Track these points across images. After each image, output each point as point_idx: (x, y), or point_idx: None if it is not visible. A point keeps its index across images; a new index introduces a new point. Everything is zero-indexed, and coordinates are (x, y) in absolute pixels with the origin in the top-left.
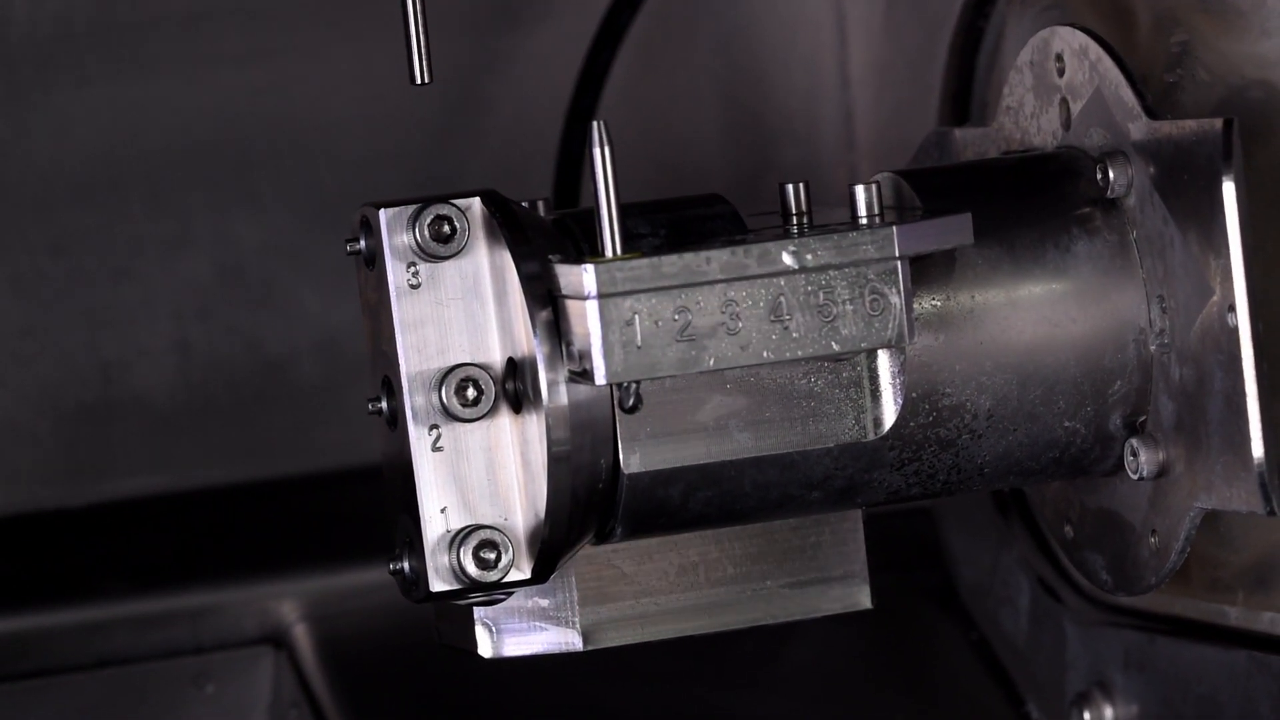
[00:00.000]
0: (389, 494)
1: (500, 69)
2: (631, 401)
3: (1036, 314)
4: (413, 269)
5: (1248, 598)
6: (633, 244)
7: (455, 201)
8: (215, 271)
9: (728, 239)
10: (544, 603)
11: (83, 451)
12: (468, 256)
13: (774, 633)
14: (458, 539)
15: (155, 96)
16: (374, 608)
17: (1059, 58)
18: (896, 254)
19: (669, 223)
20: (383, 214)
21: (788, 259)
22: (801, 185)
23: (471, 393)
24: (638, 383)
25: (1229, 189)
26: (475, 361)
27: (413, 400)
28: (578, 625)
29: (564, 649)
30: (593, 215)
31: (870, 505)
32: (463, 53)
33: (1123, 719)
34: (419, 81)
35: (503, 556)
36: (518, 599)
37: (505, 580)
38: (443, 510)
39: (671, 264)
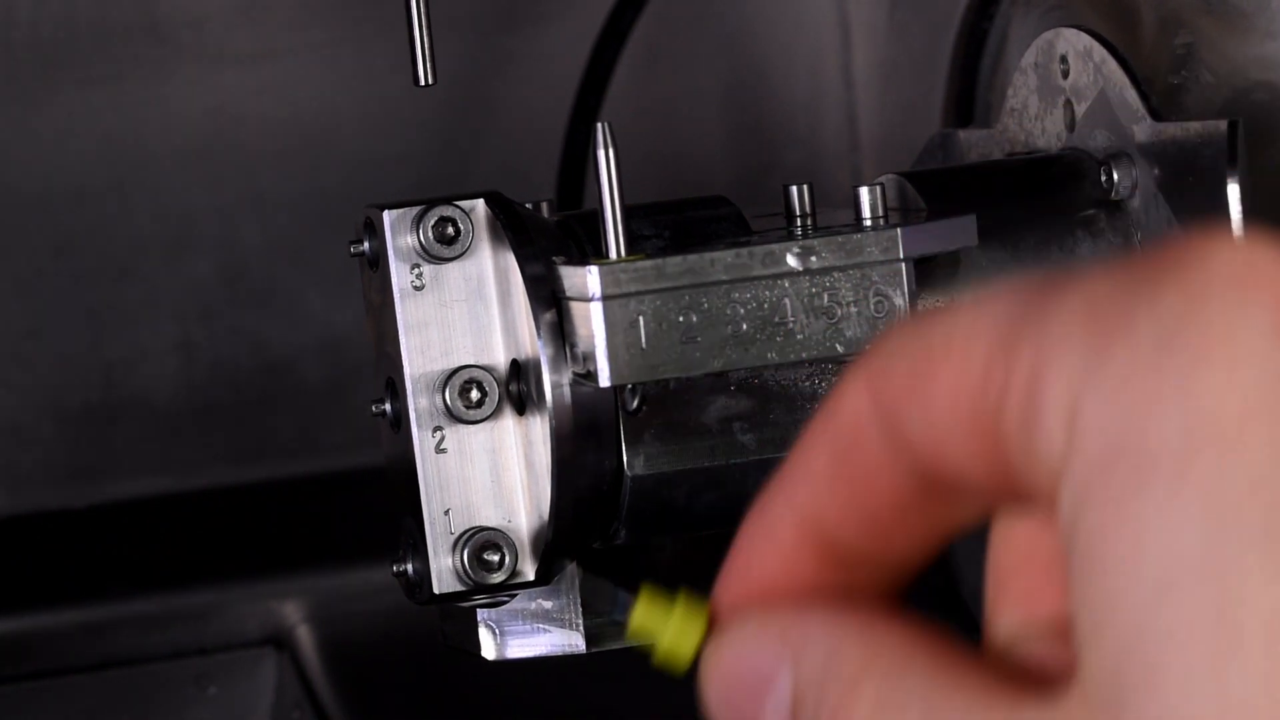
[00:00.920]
0: (392, 496)
1: (504, 70)
2: (635, 403)
3: None
4: (416, 270)
5: None
6: (637, 246)
7: (459, 203)
8: (218, 272)
9: (732, 241)
10: (548, 605)
11: (85, 452)
12: (472, 258)
13: None
14: (461, 541)
15: (158, 97)
16: (377, 609)
17: (1063, 59)
18: (901, 256)
19: (673, 224)
20: (386, 215)
21: (792, 261)
22: (805, 187)
23: (475, 395)
24: (642, 385)
25: (1234, 191)
26: (479, 363)
27: (416, 402)
28: (581, 627)
29: (567, 651)
30: (597, 217)
31: None
32: (466, 54)
33: None
34: (422, 83)
35: (506, 559)
36: (521, 601)
37: (509, 582)
38: (446, 512)
39: (676, 266)
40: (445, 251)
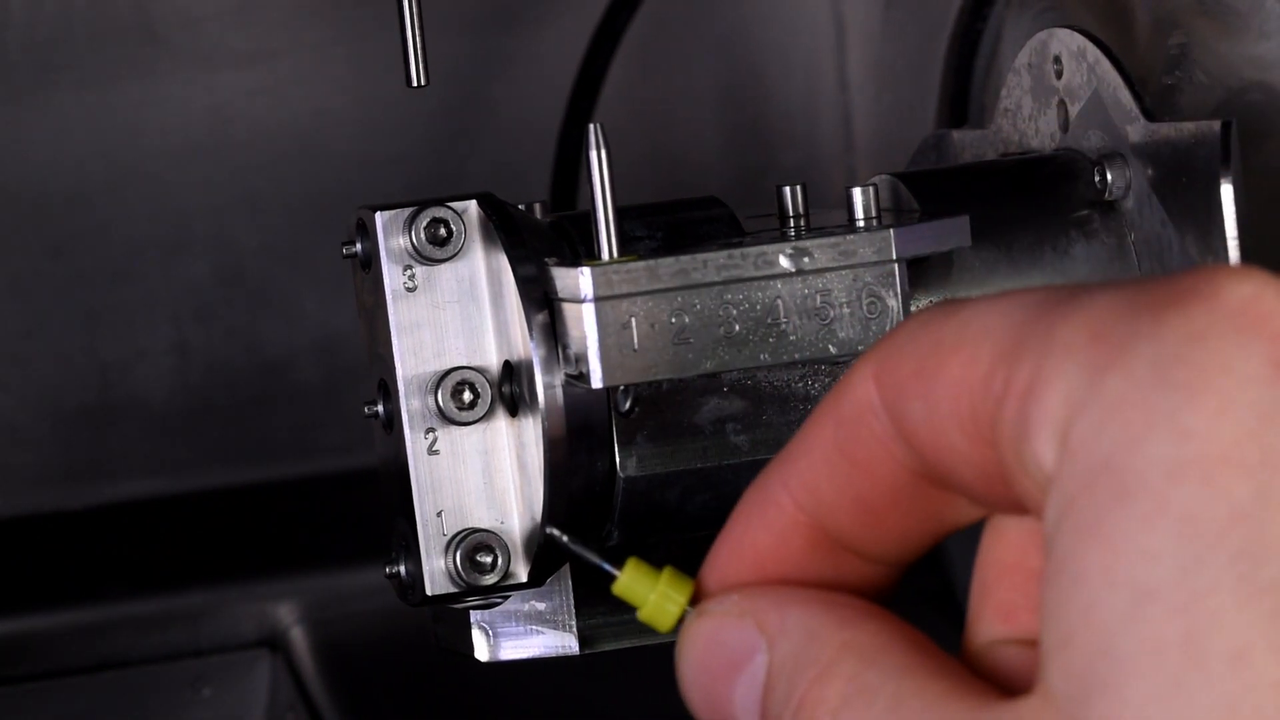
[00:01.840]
0: (385, 497)
1: (497, 71)
2: (628, 405)
3: None
4: (409, 272)
5: None
6: (630, 247)
7: (451, 204)
8: (214, 273)
9: (725, 242)
10: (541, 606)
11: (81, 453)
12: (464, 259)
13: None
14: (454, 542)
15: (154, 98)
16: (371, 611)
17: (1057, 60)
18: (894, 256)
19: (666, 225)
20: (378, 217)
21: (785, 262)
22: (799, 187)
23: (468, 396)
24: (634, 386)
25: (1227, 191)
26: (471, 365)
27: (409, 403)
28: (574, 629)
29: (561, 652)
30: (590, 218)
31: None
32: (460, 55)
33: None
34: (415, 84)
35: (499, 560)
36: (514, 602)
37: (501, 584)
38: (439, 514)
39: (668, 267)
40: (437, 253)
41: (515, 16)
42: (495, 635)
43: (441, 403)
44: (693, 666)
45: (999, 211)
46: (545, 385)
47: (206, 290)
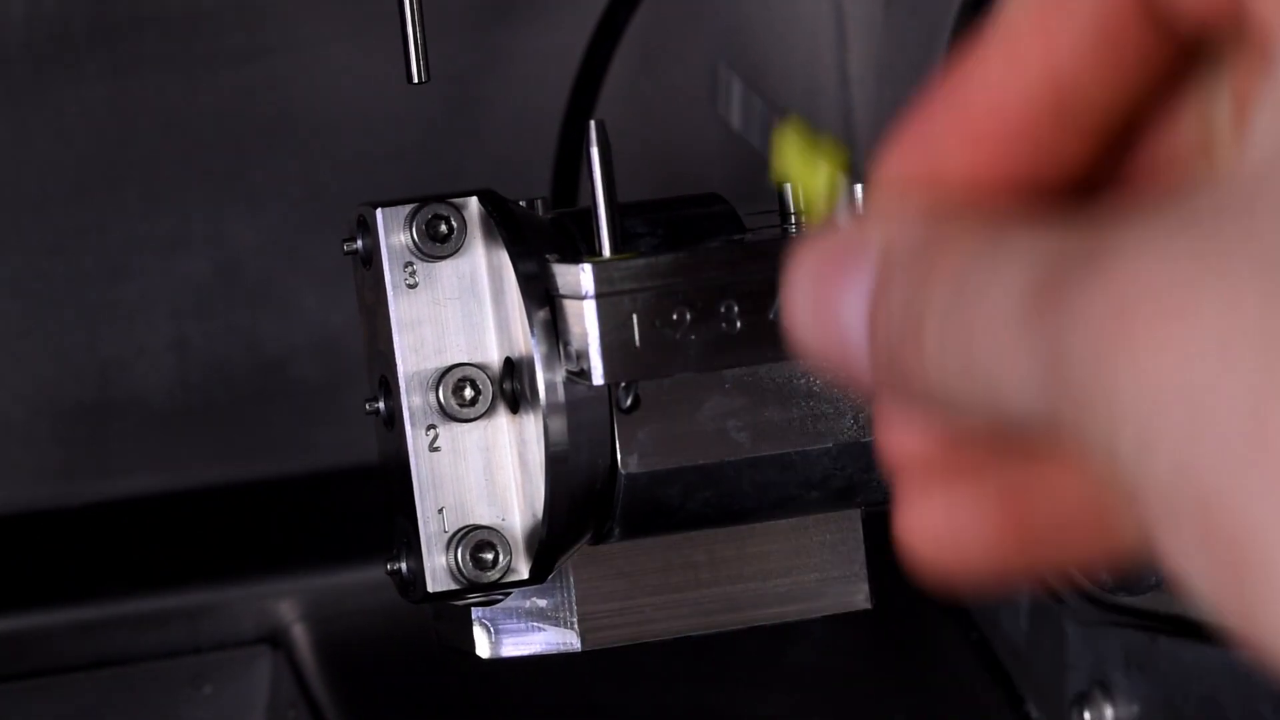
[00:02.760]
0: (386, 494)
1: (498, 67)
2: (629, 401)
3: None
4: (409, 268)
5: None
6: (630, 243)
7: (452, 201)
8: (213, 270)
9: (726, 238)
10: (542, 603)
11: (80, 450)
12: (465, 256)
13: (773, 632)
14: (455, 539)
15: (152, 95)
16: (372, 608)
17: None
18: None
19: (667, 222)
20: (379, 213)
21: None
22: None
23: (469, 393)
24: (636, 383)
25: None
26: (472, 361)
27: (410, 400)
28: (576, 625)
29: (562, 649)
30: (590, 214)
31: (870, 505)
32: (460, 51)
33: (1124, 719)
34: (416, 80)
35: (500, 557)
36: (516, 599)
37: (503, 580)
38: (440, 510)
39: (669, 263)
40: (438, 249)
41: (516, 12)
42: (497, 632)
43: (443, 399)
44: (801, 275)
45: None
46: (546, 382)
47: (205, 287)
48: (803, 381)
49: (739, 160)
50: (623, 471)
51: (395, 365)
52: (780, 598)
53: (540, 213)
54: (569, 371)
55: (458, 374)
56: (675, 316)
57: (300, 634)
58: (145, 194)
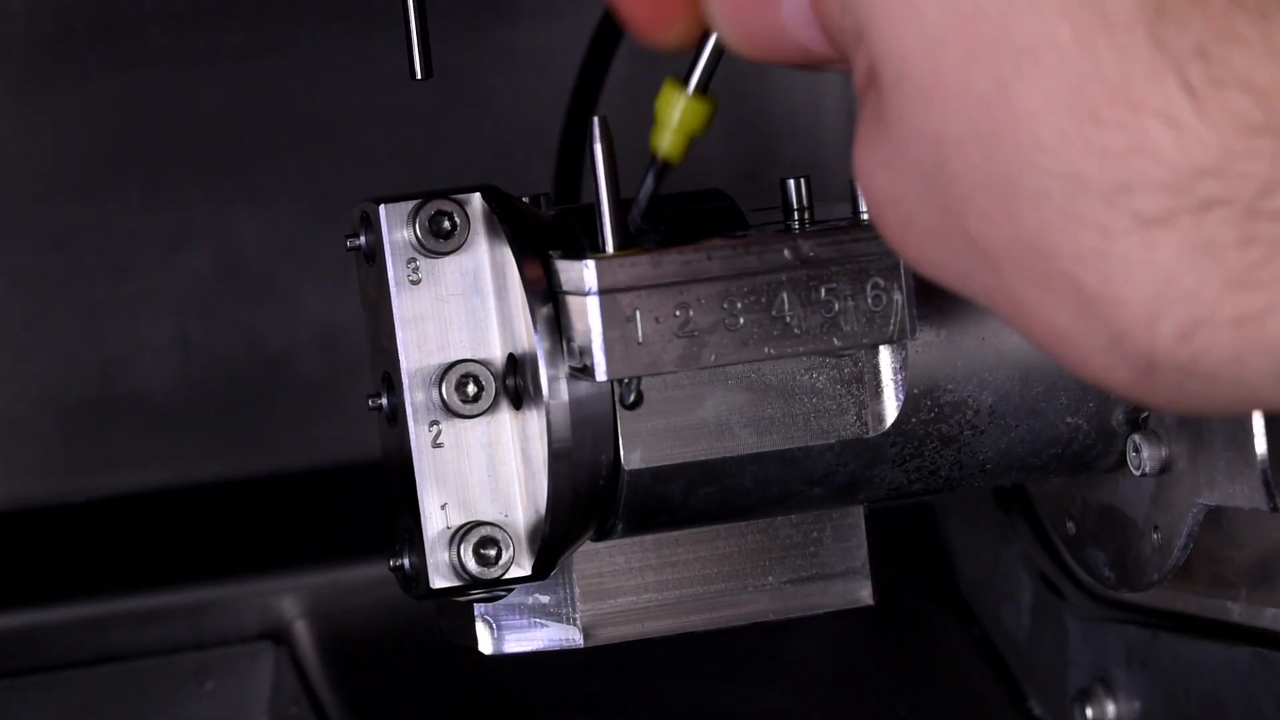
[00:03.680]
0: (389, 490)
1: (500, 64)
2: (632, 398)
3: None
4: (413, 265)
5: (1250, 594)
6: (633, 240)
7: (456, 197)
8: (215, 267)
9: (729, 235)
10: (544, 599)
11: (82, 447)
12: (468, 252)
13: (776, 629)
14: (458, 535)
15: (155, 91)
16: (375, 604)
17: None
18: None
19: (670, 218)
20: (382, 209)
21: (789, 255)
22: (803, 180)
23: (472, 389)
24: (638, 379)
25: None
26: (475, 358)
27: (413, 396)
28: (578, 621)
29: (564, 645)
30: (593, 211)
31: (872, 501)
32: (463, 47)
33: (1125, 715)
34: (419, 76)
35: (503, 553)
36: (518, 595)
37: (505, 577)
38: (443, 507)
39: (672, 260)
40: (441, 245)
41: (518, 10)
42: (499, 628)
43: (446, 396)
44: None
45: None
46: (549, 378)
47: (208, 284)
48: (805, 378)
49: (742, 156)
50: (625, 467)
51: (398, 361)
52: (783, 594)
53: (543, 209)
54: (572, 368)
55: (461, 370)
56: (678, 313)
57: (302, 630)
58: (147, 191)
